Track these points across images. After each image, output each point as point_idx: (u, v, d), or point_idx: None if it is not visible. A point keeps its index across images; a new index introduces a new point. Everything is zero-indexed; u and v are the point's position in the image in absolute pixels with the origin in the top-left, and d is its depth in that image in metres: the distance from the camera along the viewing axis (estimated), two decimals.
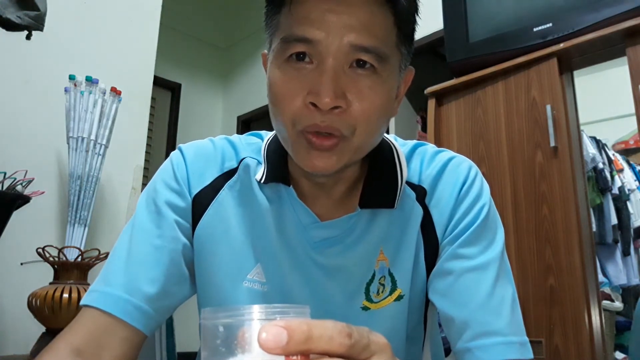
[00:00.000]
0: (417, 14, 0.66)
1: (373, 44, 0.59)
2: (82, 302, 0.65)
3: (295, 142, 0.62)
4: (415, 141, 0.79)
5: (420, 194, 0.72)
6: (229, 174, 0.74)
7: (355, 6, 0.58)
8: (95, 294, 0.65)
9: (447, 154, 0.75)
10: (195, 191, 0.72)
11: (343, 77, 0.59)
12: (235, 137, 0.78)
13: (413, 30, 0.66)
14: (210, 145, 0.76)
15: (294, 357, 0.28)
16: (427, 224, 0.71)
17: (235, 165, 0.74)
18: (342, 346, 0.29)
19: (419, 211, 0.71)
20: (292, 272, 0.70)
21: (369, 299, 0.71)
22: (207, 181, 0.73)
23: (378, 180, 0.71)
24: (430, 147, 0.77)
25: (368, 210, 0.71)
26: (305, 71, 0.60)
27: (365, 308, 0.71)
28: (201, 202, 0.72)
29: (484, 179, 0.74)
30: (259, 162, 0.74)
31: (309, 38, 0.58)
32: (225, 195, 0.72)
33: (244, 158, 0.74)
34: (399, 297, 0.71)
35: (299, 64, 0.60)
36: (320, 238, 0.70)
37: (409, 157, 0.75)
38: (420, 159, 0.75)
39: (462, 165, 0.73)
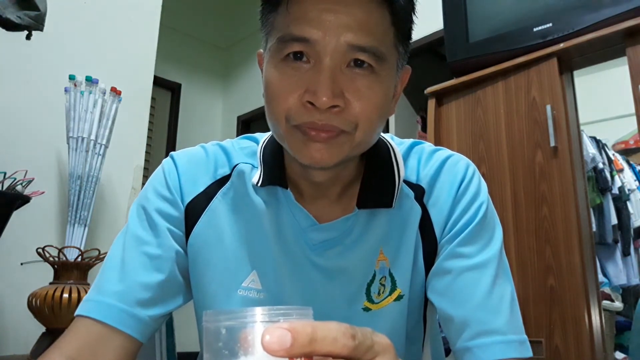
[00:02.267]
0: (414, 13, 0.66)
1: (370, 44, 0.59)
2: (76, 313, 0.65)
3: (290, 136, 0.62)
4: (412, 140, 0.79)
5: (419, 192, 0.72)
6: (222, 181, 0.73)
7: (352, 5, 0.58)
8: (89, 303, 0.65)
9: (445, 152, 0.75)
10: (187, 199, 0.71)
11: (341, 76, 0.59)
12: (228, 143, 0.78)
13: (410, 29, 0.66)
14: (202, 152, 0.75)
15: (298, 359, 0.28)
16: (426, 223, 0.71)
17: (228, 172, 0.74)
18: (346, 347, 0.29)
19: (417, 210, 0.71)
20: (290, 275, 0.70)
21: (369, 299, 0.70)
22: (200, 189, 0.72)
23: (375, 180, 0.71)
24: (427, 146, 0.77)
25: (366, 211, 0.70)
26: (302, 70, 0.60)
27: (366, 309, 0.70)
28: (194, 211, 0.71)
29: (481, 178, 0.74)
30: (254, 167, 0.73)
31: (307, 37, 0.58)
32: (219, 203, 0.72)
33: (238, 164, 0.74)
34: (399, 297, 0.71)
35: (296, 63, 0.60)
36: (319, 240, 0.70)
37: (406, 156, 0.75)
38: (418, 157, 0.75)
39: (460, 164, 0.73)
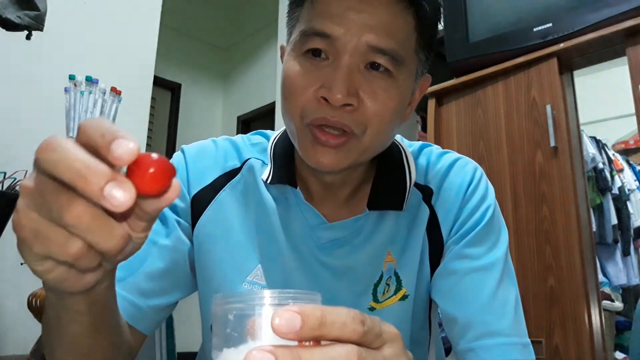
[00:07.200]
0: (440, 22, 0.66)
1: (390, 46, 0.59)
2: None
3: (301, 135, 0.62)
4: (420, 142, 0.79)
5: (427, 194, 0.72)
6: (232, 174, 0.73)
7: (377, 6, 0.58)
8: None
9: (453, 154, 0.75)
10: (194, 191, 0.71)
11: (357, 76, 0.59)
12: (238, 138, 0.78)
13: (433, 37, 0.66)
14: (212, 146, 0.76)
15: (307, 343, 0.28)
16: (433, 224, 0.71)
17: (238, 165, 0.74)
18: (355, 333, 0.29)
19: (425, 211, 0.71)
20: (297, 273, 0.70)
21: (375, 299, 0.70)
22: (208, 181, 0.72)
23: (386, 182, 0.70)
24: (436, 148, 0.77)
25: (376, 212, 0.70)
26: (320, 66, 0.60)
27: (371, 308, 0.70)
28: (200, 202, 0.71)
29: (488, 181, 0.74)
30: (264, 163, 0.73)
31: (328, 33, 0.58)
32: (226, 195, 0.72)
33: (249, 159, 0.74)
34: (404, 297, 0.70)
35: (315, 60, 0.60)
36: (327, 239, 0.70)
37: (415, 158, 0.75)
38: (427, 159, 0.75)
39: (468, 167, 0.73)
